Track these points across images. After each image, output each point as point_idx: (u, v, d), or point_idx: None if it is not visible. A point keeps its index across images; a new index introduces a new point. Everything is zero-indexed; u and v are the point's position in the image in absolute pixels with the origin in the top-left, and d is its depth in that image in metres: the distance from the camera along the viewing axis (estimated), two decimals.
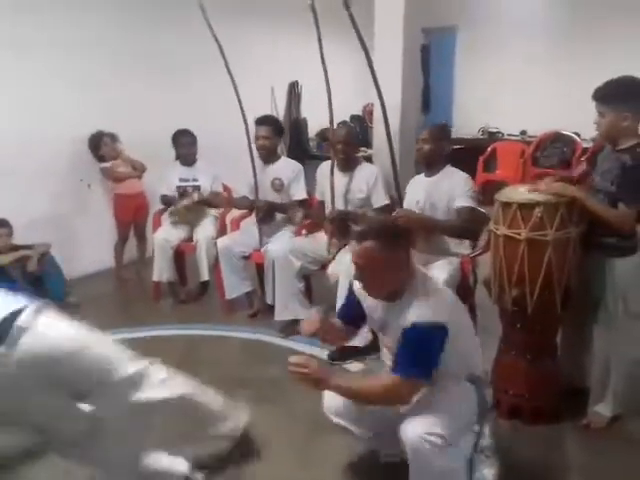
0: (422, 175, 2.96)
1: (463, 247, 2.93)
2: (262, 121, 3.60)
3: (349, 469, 2.21)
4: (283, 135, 3.91)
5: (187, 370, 2.96)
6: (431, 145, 2.85)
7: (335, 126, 3.31)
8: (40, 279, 3.80)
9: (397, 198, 2.99)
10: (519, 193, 2.35)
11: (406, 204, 2.93)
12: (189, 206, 3.95)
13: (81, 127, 4.25)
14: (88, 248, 4.46)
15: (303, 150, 6.11)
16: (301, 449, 2.34)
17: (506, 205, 2.31)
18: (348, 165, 3.34)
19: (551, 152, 6.20)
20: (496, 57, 7.27)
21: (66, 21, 4.14)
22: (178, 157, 4.09)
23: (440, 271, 2.64)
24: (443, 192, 2.82)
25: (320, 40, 2.92)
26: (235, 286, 3.64)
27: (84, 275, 4.37)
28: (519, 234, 2.25)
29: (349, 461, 2.25)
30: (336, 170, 3.32)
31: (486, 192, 5.81)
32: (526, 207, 2.25)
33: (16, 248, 3.82)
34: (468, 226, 2.76)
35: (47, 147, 4.13)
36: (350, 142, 3.32)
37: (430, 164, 2.90)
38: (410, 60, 4.25)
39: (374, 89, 2.87)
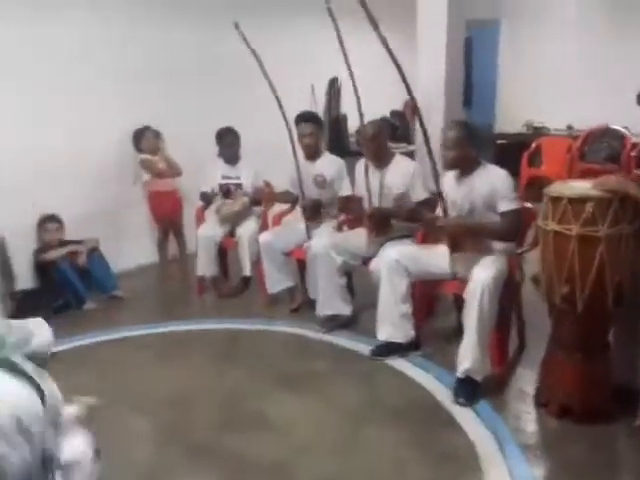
0: (452, 175, 2.88)
1: (509, 245, 2.87)
2: (304, 118, 3.60)
3: (391, 462, 2.20)
4: (323, 129, 3.91)
5: (230, 363, 3.05)
6: (455, 152, 2.75)
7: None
8: (89, 273, 3.92)
9: (437, 195, 2.92)
10: (570, 188, 2.29)
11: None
12: (240, 212, 4.00)
13: (127, 125, 4.35)
14: (134, 243, 4.57)
15: (342, 147, 6.09)
16: (343, 442, 2.33)
17: (556, 200, 2.25)
18: (380, 161, 3.31)
19: (599, 147, 6.00)
20: (541, 50, 7.11)
21: (120, 18, 4.27)
22: (221, 154, 4.13)
23: (487, 269, 2.59)
24: (481, 193, 2.73)
25: (339, 35, 2.91)
26: (277, 281, 3.66)
27: (130, 269, 4.48)
28: (570, 230, 2.19)
29: (391, 455, 2.24)
30: (371, 167, 3.31)
31: (531, 188, 5.74)
32: (577, 202, 2.18)
33: (66, 243, 3.95)
34: (513, 230, 2.70)
35: (95, 145, 4.24)
36: (378, 139, 3.28)
37: (459, 169, 2.82)
38: (454, 53, 4.20)
39: (417, 84, 2.82)
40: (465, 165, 2.79)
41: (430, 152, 2.70)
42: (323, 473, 2.13)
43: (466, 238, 2.76)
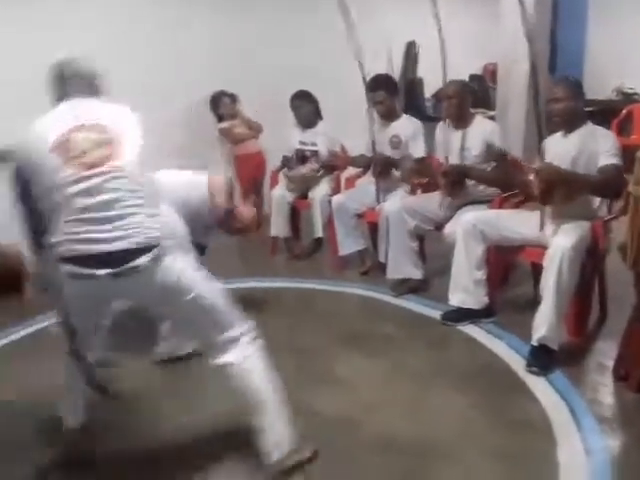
0: (559, 134, 2.75)
1: (600, 211, 2.73)
2: (375, 86, 3.52)
3: (460, 426, 2.19)
4: (398, 93, 3.84)
5: (301, 321, 3.11)
6: (565, 103, 2.61)
7: None
8: None
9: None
10: None
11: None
12: (307, 176, 4.01)
13: (206, 87, 4.42)
14: None
15: (419, 111, 5.95)
16: (411, 403, 2.34)
17: None
18: (461, 121, 3.22)
19: None
20: (633, 11, 6.60)
21: None
22: (296, 119, 4.14)
23: (567, 235, 2.49)
24: (583, 151, 2.60)
25: None
26: (348, 243, 3.68)
27: None
28: None
29: (461, 418, 2.23)
30: (450, 127, 3.24)
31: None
32: None
33: None
34: (613, 184, 2.52)
35: (176, 104, 4.34)
36: (461, 97, 3.19)
37: (566, 123, 2.68)
38: (541, 13, 3.99)
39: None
40: (572, 119, 2.66)
41: (538, 111, 2.57)
42: (391, 431, 2.15)
43: (561, 188, 2.55)
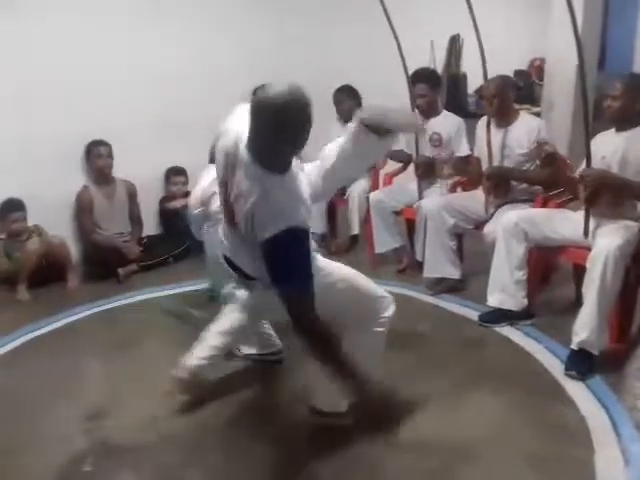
0: (610, 132, 2.66)
1: None
2: (417, 79, 3.48)
3: (495, 427, 2.16)
4: (441, 87, 3.79)
5: None
6: (622, 101, 2.51)
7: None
8: None
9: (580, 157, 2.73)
10: None
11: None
12: None
13: (249, 81, 4.43)
14: None
15: (461, 107, 5.87)
16: (445, 401, 2.32)
17: None
18: (503, 119, 3.16)
19: None
20: None
21: None
22: (338, 114, 4.12)
23: (613, 236, 2.41)
24: (634, 151, 2.51)
25: None
26: (385, 241, 3.65)
27: None
28: None
29: (495, 419, 2.20)
30: (493, 125, 3.17)
31: None
32: None
33: (189, 194, 4.18)
34: None
35: (218, 101, 4.38)
36: (502, 95, 3.11)
37: (619, 121, 2.59)
38: (591, 8, 3.88)
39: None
40: (627, 118, 2.55)
41: (585, 109, 2.48)
42: (421, 430, 2.14)
43: (608, 193, 2.49)
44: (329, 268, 2.00)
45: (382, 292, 2.13)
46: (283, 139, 1.70)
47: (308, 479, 1.96)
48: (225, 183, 1.87)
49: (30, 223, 3.62)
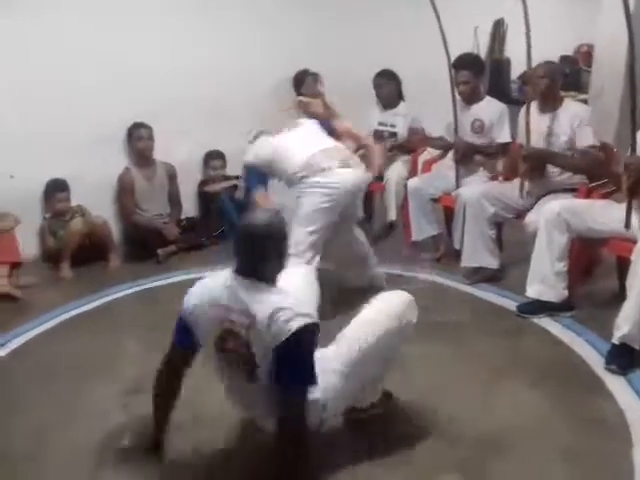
0: None
1: None
2: (460, 65, 3.42)
3: (531, 418, 2.13)
4: (484, 73, 3.71)
5: None
6: None
7: None
8: (246, 206, 4.17)
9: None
10: None
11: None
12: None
13: (287, 67, 4.45)
14: None
15: (504, 93, 5.74)
16: (480, 391, 2.30)
17: None
18: (549, 104, 3.08)
19: None
20: None
21: None
22: (377, 98, 4.09)
23: None
24: None
25: None
26: (422, 228, 3.62)
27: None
28: None
29: (532, 411, 2.17)
30: (536, 111, 3.09)
31: None
32: None
33: (227, 178, 4.24)
34: None
35: (256, 88, 4.40)
36: (551, 77, 3.04)
37: None
38: None
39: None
40: None
41: (634, 98, 2.41)
42: (455, 419, 2.12)
43: None
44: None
45: (398, 308, 2.02)
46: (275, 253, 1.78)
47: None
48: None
49: (74, 203, 3.72)
